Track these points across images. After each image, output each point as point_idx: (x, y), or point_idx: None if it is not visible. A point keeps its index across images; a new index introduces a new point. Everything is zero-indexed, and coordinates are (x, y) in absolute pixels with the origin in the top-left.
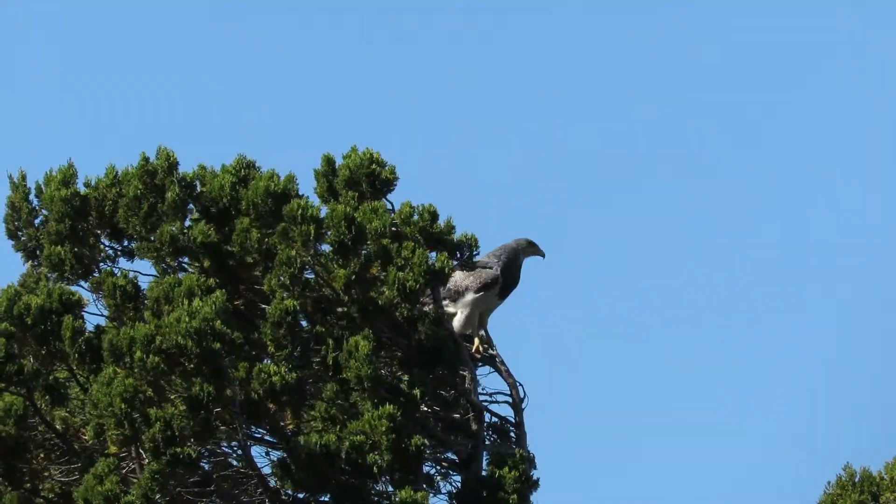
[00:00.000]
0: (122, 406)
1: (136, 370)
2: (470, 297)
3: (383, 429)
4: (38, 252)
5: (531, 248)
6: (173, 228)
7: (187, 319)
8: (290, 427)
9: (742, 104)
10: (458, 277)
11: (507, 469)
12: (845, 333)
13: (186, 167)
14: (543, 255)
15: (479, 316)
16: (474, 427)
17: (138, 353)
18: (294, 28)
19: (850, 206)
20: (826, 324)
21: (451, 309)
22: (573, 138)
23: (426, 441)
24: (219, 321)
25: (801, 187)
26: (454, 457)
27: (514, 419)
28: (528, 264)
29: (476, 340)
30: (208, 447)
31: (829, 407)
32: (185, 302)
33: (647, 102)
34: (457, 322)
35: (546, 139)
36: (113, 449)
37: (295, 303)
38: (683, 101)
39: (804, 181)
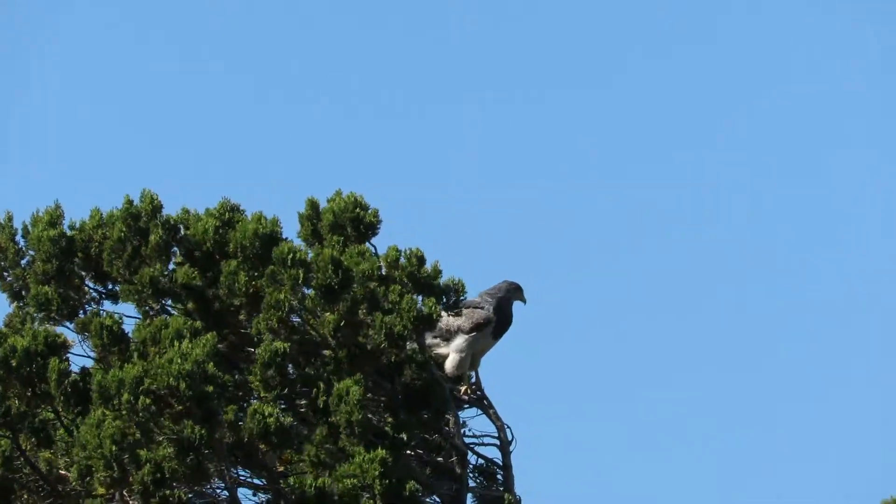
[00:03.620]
0: (112, 448)
1: (124, 412)
2: (462, 338)
3: (375, 473)
4: (23, 293)
5: (518, 293)
6: (153, 271)
7: (179, 361)
8: (282, 469)
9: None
10: (451, 318)
11: None
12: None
13: (170, 210)
14: (525, 302)
15: (472, 357)
16: (458, 470)
17: (126, 395)
18: (270, 72)
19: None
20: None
21: (442, 350)
22: (561, 178)
23: (419, 487)
24: (211, 364)
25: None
26: (437, 500)
27: (502, 462)
28: (518, 305)
29: (465, 382)
30: (195, 488)
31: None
32: (176, 344)
33: (644, 161)
34: (449, 364)
35: (533, 181)
36: (100, 490)
37: (285, 345)
38: (679, 160)
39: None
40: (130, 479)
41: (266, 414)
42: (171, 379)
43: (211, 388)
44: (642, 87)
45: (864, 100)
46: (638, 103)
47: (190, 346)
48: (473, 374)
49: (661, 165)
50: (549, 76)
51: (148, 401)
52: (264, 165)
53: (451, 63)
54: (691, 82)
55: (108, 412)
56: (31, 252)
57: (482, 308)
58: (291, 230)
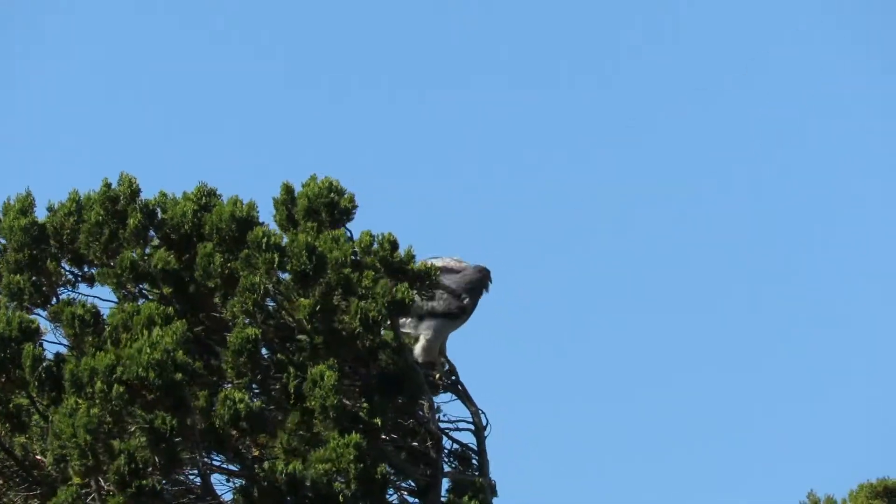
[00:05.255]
0: (87, 437)
1: (97, 401)
2: (436, 322)
3: (350, 457)
4: None
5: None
6: (133, 255)
7: (149, 351)
8: (256, 454)
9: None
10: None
11: (467, 498)
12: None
13: (147, 194)
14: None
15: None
16: (433, 455)
17: (99, 384)
18: (248, 56)
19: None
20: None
21: (408, 330)
22: (549, 168)
23: (390, 471)
24: (180, 352)
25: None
26: (412, 485)
27: (477, 446)
28: (494, 293)
29: (438, 367)
30: (168, 476)
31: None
32: (146, 332)
33: (616, 140)
34: (419, 348)
35: (507, 164)
36: (76, 480)
37: (257, 331)
38: (650, 141)
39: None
40: (105, 467)
41: (237, 400)
42: (141, 369)
43: (181, 377)
44: (635, 80)
45: (860, 97)
46: (631, 97)
47: (160, 334)
48: (444, 358)
49: (655, 162)
50: (534, 62)
51: (122, 389)
52: (243, 150)
53: (437, 48)
54: (687, 77)
55: (81, 401)
56: (3, 241)
57: (461, 298)
58: (269, 215)
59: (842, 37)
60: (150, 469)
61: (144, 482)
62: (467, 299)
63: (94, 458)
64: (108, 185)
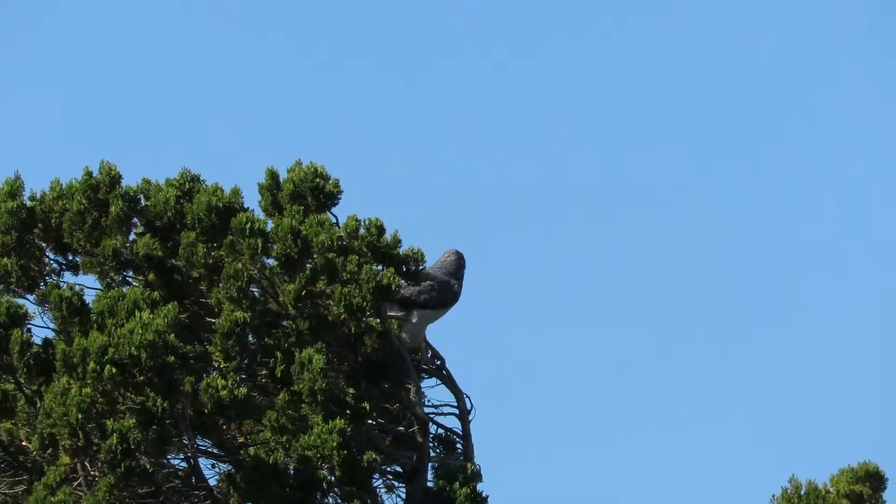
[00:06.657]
0: (78, 416)
1: (90, 381)
2: (426, 311)
3: (334, 444)
4: None
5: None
6: (115, 243)
7: (141, 332)
8: (241, 440)
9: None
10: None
11: (458, 484)
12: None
13: (130, 181)
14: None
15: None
16: (419, 440)
17: (92, 364)
18: (234, 40)
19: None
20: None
21: (396, 312)
22: (533, 148)
23: (377, 458)
24: (172, 334)
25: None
26: (399, 469)
27: (462, 430)
28: (474, 276)
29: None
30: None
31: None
32: (137, 314)
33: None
34: (406, 332)
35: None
36: (66, 459)
37: (245, 314)
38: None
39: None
40: (95, 448)
41: (219, 387)
42: (133, 349)
43: (172, 359)
44: (629, 76)
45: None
46: (627, 93)
47: (151, 316)
48: (428, 347)
49: (631, 139)
50: (529, 56)
51: (114, 370)
52: (224, 133)
53: (426, 32)
54: (680, 74)
55: (72, 381)
56: None
57: (452, 285)
58: (252, 200)
59: (839, 35)
60: (140, 450)
61: (135, 463)
62: (457, 285)
63: (84, 437)
64: (89, 174)
